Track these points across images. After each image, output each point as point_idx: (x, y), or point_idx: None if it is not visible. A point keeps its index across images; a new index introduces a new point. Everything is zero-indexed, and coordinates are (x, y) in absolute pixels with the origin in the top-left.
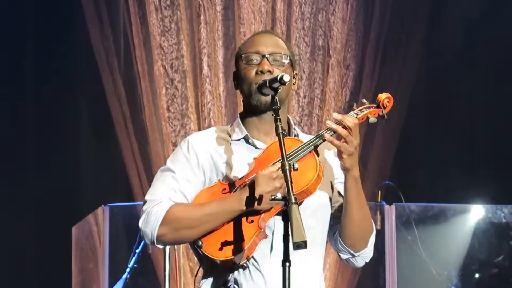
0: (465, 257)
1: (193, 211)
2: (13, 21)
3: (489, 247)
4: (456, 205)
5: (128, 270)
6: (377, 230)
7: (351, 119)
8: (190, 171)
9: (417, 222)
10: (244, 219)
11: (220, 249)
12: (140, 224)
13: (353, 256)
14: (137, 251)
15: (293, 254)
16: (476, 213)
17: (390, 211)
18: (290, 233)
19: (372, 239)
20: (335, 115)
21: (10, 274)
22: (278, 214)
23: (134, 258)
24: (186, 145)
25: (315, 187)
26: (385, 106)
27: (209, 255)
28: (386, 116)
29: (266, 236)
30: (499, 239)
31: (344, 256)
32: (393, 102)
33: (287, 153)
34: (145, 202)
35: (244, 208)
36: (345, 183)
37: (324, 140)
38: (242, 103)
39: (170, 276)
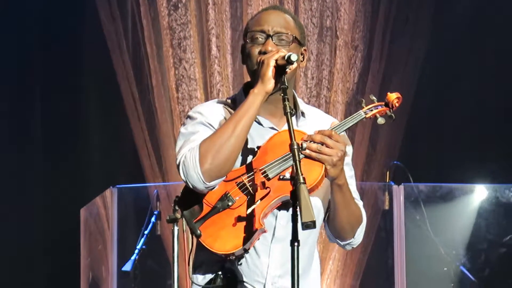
0: (473, 237)
1: (222, 128)
2: (22, 1)
3: (497, 226)
4: (464, 185)
5: (136, 251)
6: (385, 210)
7: (319, 134)
8: (209, 130)
9: (425, 202)
10: (244, 214)
11: (219, 241)
12: (183, 176)
13: (339, 244)
14: (146, 232)
15: (289, 236)
16: (484, 193)
17: (399, 191)
18: (298, 213)
19: (360, 230)
20: (305, 137)
21: (19, 256)
22: (279, 208)
23: (142, 240)
24: (199, 114)
25: (319, 186)
26: (394, 106)
27: (207, 246)
28: (394, 116)
29: (265, 231)
30: (507, 218)
31: (331, 241)
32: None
33: (285, 154)
34: (178, 165)
35: (262, 85)
36: (331, 188)
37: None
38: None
39: (179, 257)
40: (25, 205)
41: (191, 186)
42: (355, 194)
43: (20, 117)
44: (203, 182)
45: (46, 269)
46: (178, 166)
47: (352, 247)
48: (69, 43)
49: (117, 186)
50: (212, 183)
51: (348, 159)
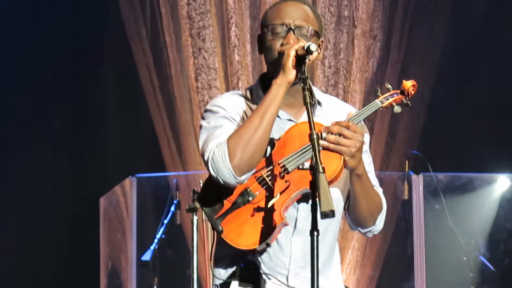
0: (492, 226)
1: (248, 121)
2: None
3: None
4: (484, 175)
5: (156, 241)
6: (404, 200)
7: (336, 125)
8: (231, 124)
9: (444, 192)
10: (265, 208)
11: (242, 237)
12: (213, 173)
13: (360, 231)
14: (165, 222)
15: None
16: (503, 183)
17: (418, 180)
18: (318, 202)
19: (381, 217)
20: (322, 129)
21: (38, 245)
22: (298, 201)
23: (162, 229)
24: (220, 108)
25: (338, 177)
26: (409, 93)
27: (230, 242)
28: (410, 104)
29: (287, 224)
30: None
31: (353, 229)
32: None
33: (303, 146)
34: (206, 162)
35: (284, 75)
36: (350, 178)
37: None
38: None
39: (198, 247)
40: (45, 193)
41: (222, 182)
42: (374, 181)
43: (38, 107)
44: (234, 177)
45: (65, 259)
46: (206, 162)
47: (374, 234)
48: (89, 30)
49: (137, 175)
50: (243, 177)
51: (365, 147)
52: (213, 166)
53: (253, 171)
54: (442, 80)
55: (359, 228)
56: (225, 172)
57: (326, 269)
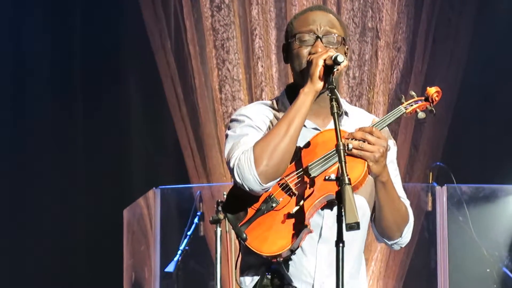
0: None
1: (275, 128)
2: (65, 1)
3: None
4: (508, 186)
5: (179, 252)
6: (428, 212)
7: (360, 131)
8: (257, 132)
9: (468, 203)
10: (289, 214)
11: (266, 244)
12: (238, 180)
13: (387, 243)
14: (189, 233)
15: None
16: None
17: (442, 192)
18: (343, 214)
19: (407, 229)
20: (346, 135)
21: (62, 257)
22: (322, 208)
23: (185, 241)
24: (245, 117)
25: (362, 183)
26: (434, 100)
27: (254, 249)
28: (434, 111)
29: (311, 231)
30: None
31: (379, 241)
32: (441, 97)
33: (327, 153)
34: (232, 169)
35: (311, 84)
36: (375, 186)
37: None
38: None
39: (222, 258)
40: (69, 206)
41: (247, 189)
42: (401, 193)
43: (62, 117)
44: (260, 184)
45: (89, 270)
46: (232, 169)
47: (401, 247)
48: (112, 42)
49: (160, 187)
50: (268, 184)
51: (392, 156)
52: (239, 173)
53: (279, 178)
54: (466, 92)
55: (385, 240)
56: (251, 179)
57: (354, 279)
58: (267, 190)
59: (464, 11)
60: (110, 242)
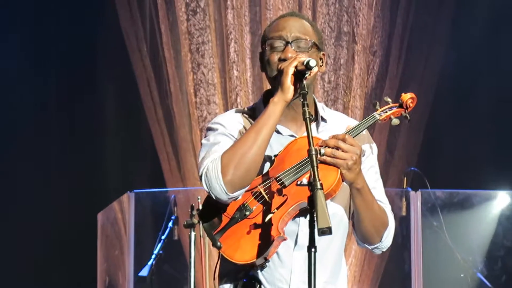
0: (490, 243)
1: (242, 138)
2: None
3: None
4: (482, 192)
5: (153, 256)
6: (402, 216)
7: (333, 139)
8: (230, 140)
9: (442, 208)
10: (262, 222)
11: (239, 252)
12: (206, 188)
13: (368, 248)
14: (163, 237)
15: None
16: (501, 200)
17: (416, 197)
18: (315, 219)
19: (387, 233)
20: (319, 143)
21: (36, 260)
22: (297, 216)
23: (159, 245)
24: (220, 125)
25: (336, 190)
26: (408, 106)
27: (228, 257)
28: (409, 117)
29: (285, 238)
30: None
31: (361, 246)
32: (416, 102)
33: (300, 161)
34: (200, 177)
35: (281, 94)
36: (350, 193)
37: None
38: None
39: (196, 262)
40: (42, 209)
41: (214, 198)
42: (382, 198)
43: (38, 120)
44: (226, 193)
45: (63, 274)
46: (200, 177)
47: (382, 251)
48: (88, 45)
49: (134, 191)
50: (235, 193)
51: (373, 161)
52: (206, 181)
53: (246, 188)
54: (440, 97)
55: (365, 245)
56: (217, 188)
57: (331, 284)
58: (235, 199)
59: (439, 15)
60: (84, 246)
